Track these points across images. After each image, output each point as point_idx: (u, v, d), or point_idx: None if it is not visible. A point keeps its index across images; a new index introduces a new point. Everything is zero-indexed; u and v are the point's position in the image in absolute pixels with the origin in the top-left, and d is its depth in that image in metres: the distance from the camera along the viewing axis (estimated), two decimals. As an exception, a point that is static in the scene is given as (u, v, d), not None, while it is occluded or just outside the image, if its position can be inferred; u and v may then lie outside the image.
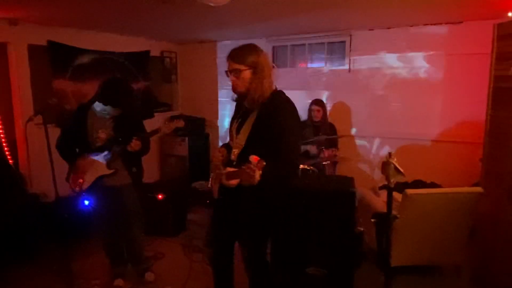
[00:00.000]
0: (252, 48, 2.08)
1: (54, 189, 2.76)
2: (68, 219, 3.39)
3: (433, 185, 3.60)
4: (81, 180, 2.75)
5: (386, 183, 3.55)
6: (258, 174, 1.70)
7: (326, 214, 2.62)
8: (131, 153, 2.72)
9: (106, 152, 2.73)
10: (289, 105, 2.07)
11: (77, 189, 2.77)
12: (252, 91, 2.03)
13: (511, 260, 2.54)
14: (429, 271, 3.07)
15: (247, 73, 2.02)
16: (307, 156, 3.94)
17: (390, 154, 1.55)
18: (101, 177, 2.75)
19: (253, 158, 1.71)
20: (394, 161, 1.51)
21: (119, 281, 2.99)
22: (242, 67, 2.02)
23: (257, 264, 2.27)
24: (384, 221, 1.63)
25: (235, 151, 2.11)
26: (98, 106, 2.73)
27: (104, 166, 2.74)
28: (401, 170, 1.51)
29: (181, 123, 2.71)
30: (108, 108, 2.71)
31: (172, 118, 2.82)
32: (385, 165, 1.54)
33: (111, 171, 2.75)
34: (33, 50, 3.86)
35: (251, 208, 2.10)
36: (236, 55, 2.05)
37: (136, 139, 2.66)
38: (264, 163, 1.70)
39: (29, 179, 3.86)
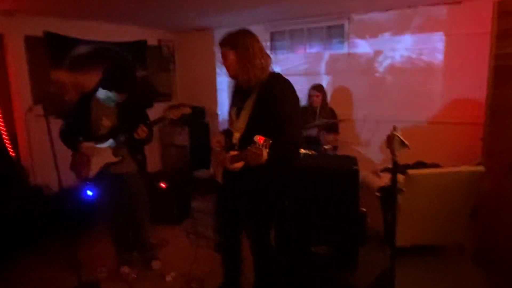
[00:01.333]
0: (237, 32, 2.09)
1: (58, 180, 2.77)
2: (71, 210, 3.41)
3: (435, 166, 3.60)
4: (87, 169, 2.75)
5: (387, 166, 3.57)
6: (265, 153, 1.71)
7: (330, 193, 2.64)
8: (136, 141, 2.72)
9: (111, 140, 2.73)
10: (287, 86, 2.07)
11: (83, 177, 2.77)
12: (240, 73, 2.05)
13: (512, 237, 2.57)
14: (432, 251, 3.10)
15: (231, 56, 2.05)
16: (308, 141, 3.94)
17: (394, 127, 1.56)
18: (108, 165, 2.76)
19: (258, 138, 1.72)
20: (399, 134, 1.52)
21: (125, 268, 3.02)
22: (226, 49, 2.07)
23: (262, 248, 2.28)
24: (389, 194, 1.64)
25: (237, 134, 2.12)
26: (102, 93, 2.72)
27: (110, 153, 2.74)
28: (406, 142, 1.51)
29: (187, 110, 2.71)
30: (112, 94, 2.69)
31: (177, 106, 2.82)
32: (390, 138, 1.55)
33: (118, 158, 2.76)
34: (30, 41, 3.84)
35: (255, 190, 2.11)
36: (223, 40, 2.10)
37: (144, 126, 2.66)
38: (271, 141, 1.71)
39: (32, 171, 3.86)
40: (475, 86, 3.62)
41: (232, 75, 2.12)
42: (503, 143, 2.73)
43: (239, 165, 1.94)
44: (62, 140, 2.77)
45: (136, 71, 5.04)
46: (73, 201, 3.47)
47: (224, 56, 2.09)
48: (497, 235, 2.79)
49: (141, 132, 2.65)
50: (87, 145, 2.74)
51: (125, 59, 4.88)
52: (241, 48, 2.02)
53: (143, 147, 2.93)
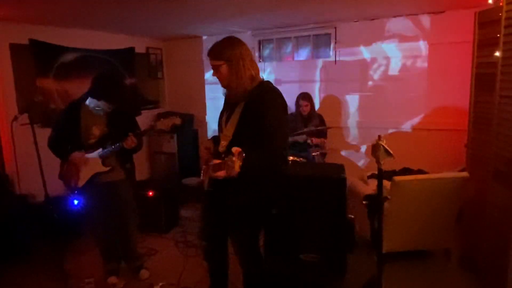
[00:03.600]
0: (228, 42, 2.08)
1: (43, 189, 2.73)
2: (58, 219, 3.36)
3: (420, 172, 3.66)
4: (76, 178, 2.73)
5: (374, 172, 3.61)
6: (237, 165, 1.71)
7: (318, 200, 2.66)
8: (125, 150, 2.71)
9: (100, 149, 2.71)
10: (275, 94, 2.07)
11: (72, 186, 2.75)
12: (232, 85, 2.05)
13: (497, 241, 2.62)
14: (419, 256, 3.14)
15: (224, 68, 2.03)
16: (296, 147, 3.98)
17: (379, 136, 1.58)
18: (97, 174, 2.74)
19: (235, 150, 1.73)
20: (383, 143, 1.55)
21: (113, 279, 2.97)
22: (219, 62, 2.04)
23: (250, 256, 2.28)
24: (376, 202, 1.66)
25: (223, 143, 2.12)
26: (91, 102, 2.70)
27: (100, 163, 2.72)
28: (391, 151, 1.54)
29: (178, 120, 2.71)
30: (101, 103, 2.68)
31: (166, 115, 2.82)
32: (375, 147, 1.57)
33: (108, 168, 2.74)
34: (15, 49, 3.79)
35: (241, 199, 2.10)
36: (213, 52, 2.07)
37: (133, 136, 2.65)
38: (244, 155, 1.72)
39: (17, 180, 3.80)
40: (459, 93, 3.71)
41: (224, 85, 2.12)
42: (487, 149, 2.80)
43: (220, 174, 1.91)
44: (51, 149, 2.74)
45: (125, 79, 5.02)
46: (60, 211, 3.41)
47: (215, 68, 2.07)
48: (482, 239, 2.84)
49: (131, 142, 2.65)
50: (77, 154, 2.71)
51: (114, 67, 4.86)
52: (234, 61, 2.02)
53: (132, 155, 2.92)
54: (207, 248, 2.50)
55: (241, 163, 1.72)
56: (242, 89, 2.04)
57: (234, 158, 1.71)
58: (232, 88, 2.07)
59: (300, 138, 4.00)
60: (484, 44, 2.84)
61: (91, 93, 2.69)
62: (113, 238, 3.01)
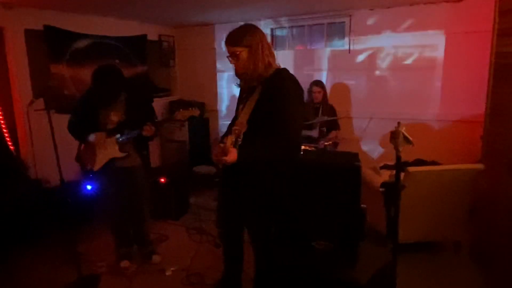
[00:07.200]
0: (246, 29, 2.07)
1: (59, 174, 2.76)
2: (72, 204, 3.41)
3: (434, 163, 3.62)
4: (92, 162, 2.77)
5: (387, 163, 3.58)
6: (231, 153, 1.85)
7: (332, 188, 2.65)
8: (143, 137, 2.75)
9: (118, 135, 2.74)
10: (291, 81, 2.06)
11: (87, 168, 2.79)
12: (249, 71, 2.04)
13: (509, 235, 2.59)
14: (429, 248, 3.13)
15: (244, 54, 2.02)
16: (309, 140, 3.95)
17: (399, 123, 1.56)
18: (113, 159, 2.78)
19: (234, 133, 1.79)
20: (403, 130, 1.53)
21: (125, 263, 3.02)
22: (238, 49, 2.03)
23: (262, 243, 2.29)
24: (392, 189, 1.64)
25: (236, 129, 2.11)
26: None
27: (117, 149, 2.76)
28: (410, 138, 1.52)
29: (196, 112, 2.72)
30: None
31: (181, 105, 2.85)
32: (394, 134, 1.55)
33: (124, 154, 2.78)
34: (30, 35, 3.82)
35: (253, 188, 2.11)
36: (232, 38, 2.06)
37: (151, 125, 2.68)
38: (240, 141, 1.85)
39: (32, 165, 3.86)
40: (475, 84, 3.64)
41: (241, 72, 2.09)
42: (503, 141, 2.75)
43: (228, 158, 1.93)
44: (71, 132, 2.79)
45: (136, 67, 5.02)
46: (74, 195, 3.46)
47: (234, 55, 2.05)
48: (495, 232, 2.81)
49: (149, 130, 2.68)
50: (98, 134, 2.74)
51: (121, 55, 4.81)
52: (254, 47, 2.01)
53: (147, 143, 2.96)
54: (223, 233, 2.52)
55: (236, 149, 1.82)
56: (256, 75, 2.03)
57: (226, 143, 1.75)
58: (247, 75, 2.06)
59: (314, 133, 3.97)
60: (505, 33, 2.77)
61: (94, 90, 2.73)
62: (127, 222, 3.05)
